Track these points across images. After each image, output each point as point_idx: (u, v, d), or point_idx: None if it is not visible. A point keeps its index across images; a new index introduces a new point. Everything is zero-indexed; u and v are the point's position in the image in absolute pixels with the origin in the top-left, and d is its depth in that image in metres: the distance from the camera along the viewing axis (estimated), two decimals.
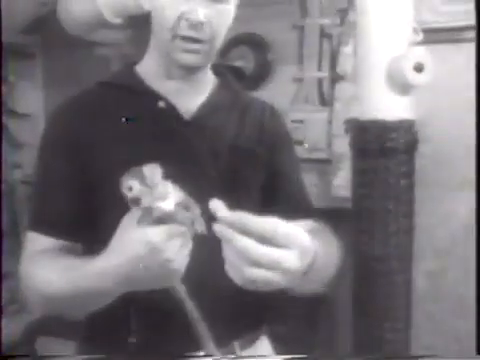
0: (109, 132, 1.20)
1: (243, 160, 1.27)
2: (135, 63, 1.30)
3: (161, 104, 1.22)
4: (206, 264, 1.02)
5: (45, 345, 2.74)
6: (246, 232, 0.85)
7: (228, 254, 0.88)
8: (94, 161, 1.18)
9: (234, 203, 1.14)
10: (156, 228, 0.94)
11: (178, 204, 0.96)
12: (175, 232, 0.95)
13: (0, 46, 1.95)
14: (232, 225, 0.86)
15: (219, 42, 1.20)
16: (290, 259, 0.86)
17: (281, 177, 1.33)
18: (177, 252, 0.96)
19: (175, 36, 1.15)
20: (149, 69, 1.26)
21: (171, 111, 1.22)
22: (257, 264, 0.85)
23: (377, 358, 1.46)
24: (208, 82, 1.30)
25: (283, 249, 0.86)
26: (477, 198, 1.42)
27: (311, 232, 0.95)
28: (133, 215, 0.97)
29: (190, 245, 0.98)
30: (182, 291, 1.04)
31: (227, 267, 0.89)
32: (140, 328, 1.17)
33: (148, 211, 0.95)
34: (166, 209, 0.95)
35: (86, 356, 1.20)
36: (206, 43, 1.17)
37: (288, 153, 1.38)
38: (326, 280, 1.14)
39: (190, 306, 1.05)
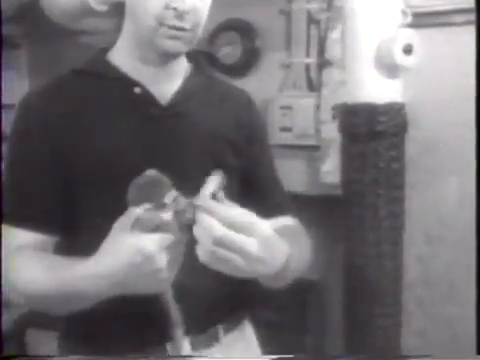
0: (84, 120, 1.18)
1: (221, 146, 1.27)
2: (107, 50, 1.28)
3: (137, 90, 1.21)
4: (190, 252, 1.02)
5: (35, 338, 2.73)
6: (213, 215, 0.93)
7: (197, 232, 0.94)
8: (69, 150, 1.16)
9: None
10: (151, 236, 0.95)
11: (177, 211, 0.96)
12: (170, 242, 0.96)
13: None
14: (203, 209, 0.94)
15: (201, 29, 1.20)
16: (250, 244, 0.94)
17: (257, 169, 1.35)
18: (169, 261, 0.97)
19: (160, 24, 1.14)
20: (123, 55, 1.24)
21: (147, 97, 1.21)
22: (219, 243, 0.91)
23: (370, 357, 1.47)
24: (182, 68, 1.29)
25: (245, 235, 0.93)
26: (477, 186, 1.41)
27: (285, 232, 1.06)
28: (126, 219, 0.97)
29: (183, 252, 0.99)
30: (168, 294, 1.05)
31: (197, 246, 0.94)
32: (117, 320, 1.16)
33: (145, 218, 0.96)
34: (165, 218, 0.96)
35: (83, 356, 1.19)
36: (190, 31, 1.16)
37: (264, 145, 1.40)
38: (294, 277, 1.18)
39: (174, 310, 1.07)
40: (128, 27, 1.24)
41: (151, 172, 0.99)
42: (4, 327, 2.57)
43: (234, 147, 1.29)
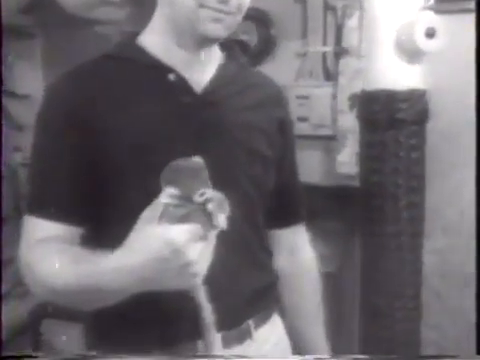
0: (113, 106, 1.13)
1: (256, 136, 1.24)
2: (137, 33, 1.22)
3: (171, 77, 1.16)
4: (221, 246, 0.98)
5: (50, 327, 2.73)
6: None
7: None
8: (98, 137, 1.11)
9: (248, 179, 1.18)
10: (180, 227, 0.90)
11: (210, 202, 0.92)
12: (199, 233, 0.92)
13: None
14: None
15: (242, 15, 1.14)
16: None
17: (283, 162, 1.32)
18: (200, 254, 0.92)
19: (201, 6, 1.08)
20: (155, 39, 1.19)
21: (182, 84, 1.16)
22: None
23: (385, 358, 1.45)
24: (215, 55, 1.24)
25: None
26: (476, 179, 1.39)
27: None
28: (154, 210, 0.93)
29: (212, 246, 0.95)
30: (201, 293, 0.99)
31: None
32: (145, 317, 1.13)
33: (173, 207, 0.91)
34: (194, 207, 0.91)
35: (85, 353, 1.18)
36: (232, 15, 1.11)
37: (291, 141, 1.37)
38: None
39: (207, 310, 1.00)
40: (162, 10, 1.17)
41: (196, 159, 0.94)
42: (20, 316, 2.58)
43: (268, 137, 1.25)
